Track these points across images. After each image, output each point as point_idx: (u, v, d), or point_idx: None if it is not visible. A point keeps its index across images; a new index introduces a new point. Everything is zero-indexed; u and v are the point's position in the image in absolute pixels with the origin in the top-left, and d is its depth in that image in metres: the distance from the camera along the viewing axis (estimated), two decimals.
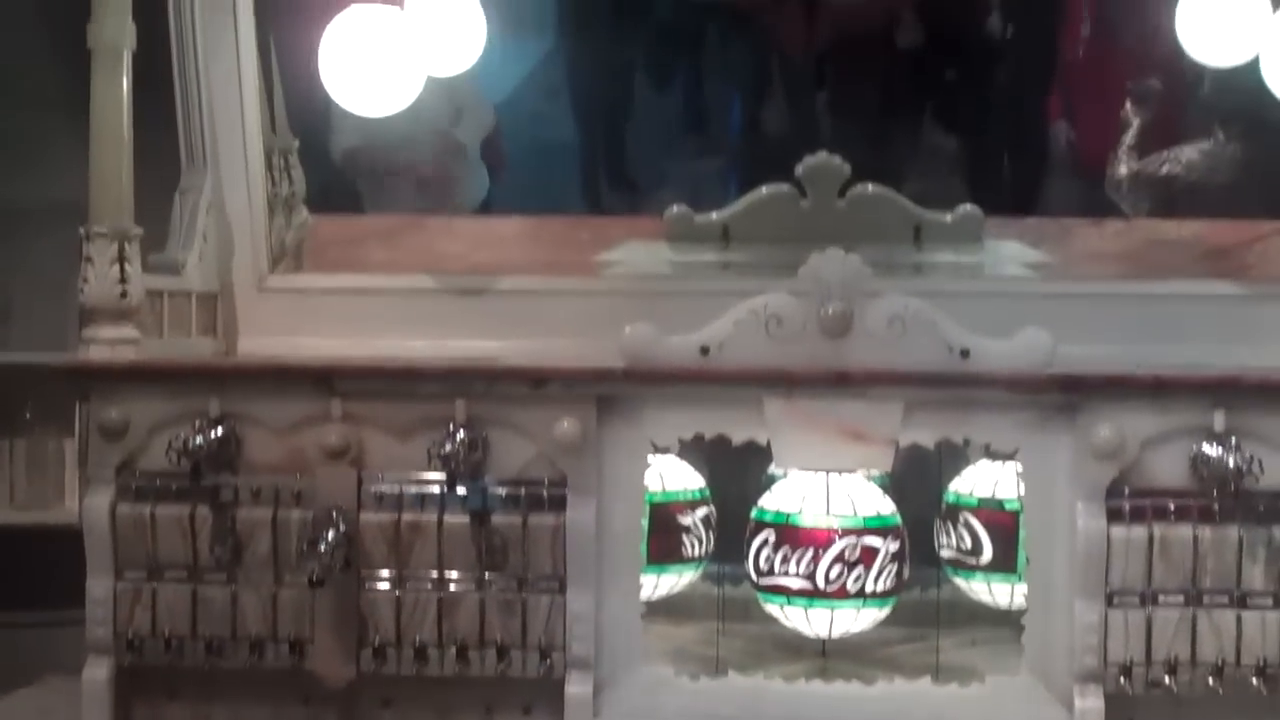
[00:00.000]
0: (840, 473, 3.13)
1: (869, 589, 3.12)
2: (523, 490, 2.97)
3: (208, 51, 3.60)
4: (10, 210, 4.05)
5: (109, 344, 3.15)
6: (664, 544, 3.35)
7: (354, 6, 3.22)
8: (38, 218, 4.00)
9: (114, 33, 3.24)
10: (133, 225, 3.25)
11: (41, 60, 3.94)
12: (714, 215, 3.76)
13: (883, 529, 3.15)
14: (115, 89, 3.24)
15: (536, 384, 2.97)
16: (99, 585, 3.05)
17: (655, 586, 3.35)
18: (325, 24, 3.29)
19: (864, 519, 3.14)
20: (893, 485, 3.28)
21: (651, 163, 5.21)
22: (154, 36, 3.45)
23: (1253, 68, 3.44)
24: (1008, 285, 3.58)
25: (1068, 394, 2.92)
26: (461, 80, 3.85)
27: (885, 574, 3.13)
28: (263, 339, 3.67)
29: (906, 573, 3.22)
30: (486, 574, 2.97)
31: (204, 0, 3.58)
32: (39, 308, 4.07)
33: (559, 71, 5.27)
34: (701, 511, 3.47)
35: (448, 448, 2.92)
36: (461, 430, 2.95)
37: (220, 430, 3.01)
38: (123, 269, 3.18)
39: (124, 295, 3.18)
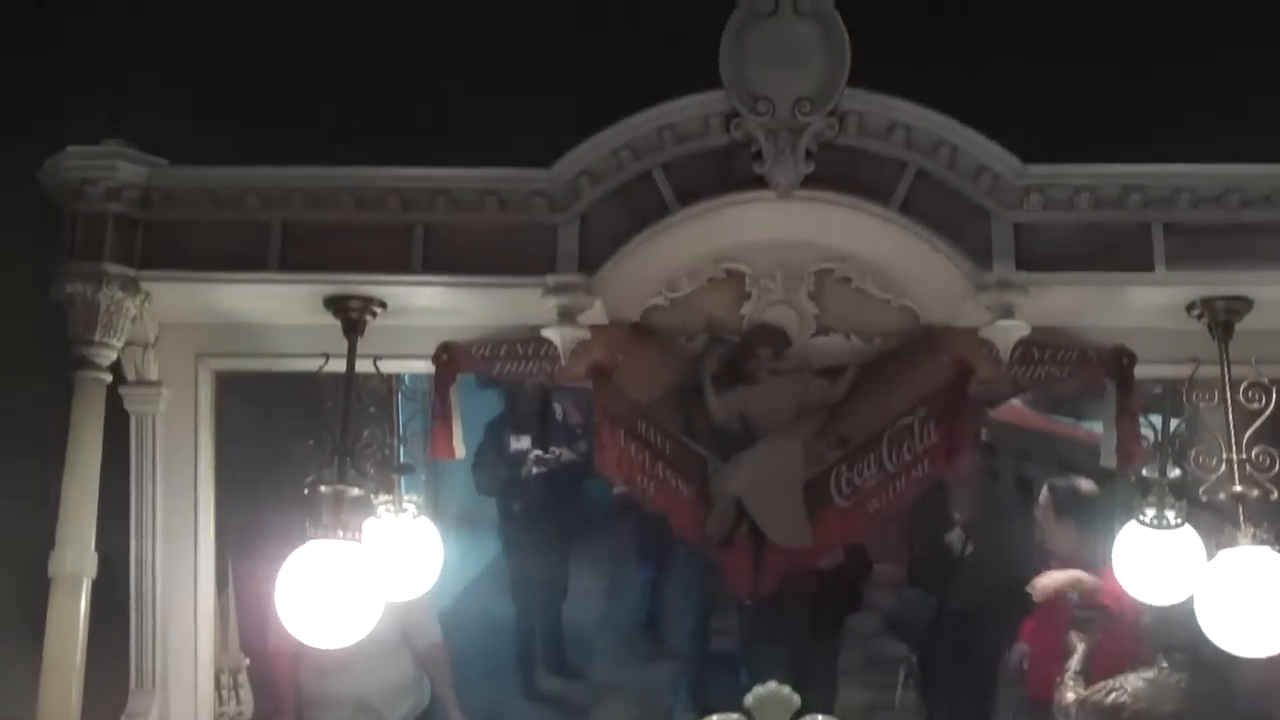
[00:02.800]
0: None
1: None
2: None
3: (166, 578, 3.64)
4: None
5: None
6: None
7: (312, 542, 3.28)
8: None
9: (76, 562, 3.30)
10: None
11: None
12: None
13: None
14: (71, 617, 3.28)
15: None
16: None
17: None
18: (283, 548, 3.34)
19: None
20: None
21: (601, 668, 5.24)
22: (111, 560, 3.51)
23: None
24: None
25: None
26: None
27: None
28: None
29: None
30: None
31: (166, 528, 3.65)
32: None
33: (507, 580, 5.36)
34: None
35: None
36: None
37: None
38: None
39: None
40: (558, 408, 5.26)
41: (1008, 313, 3.25)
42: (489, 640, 5.18)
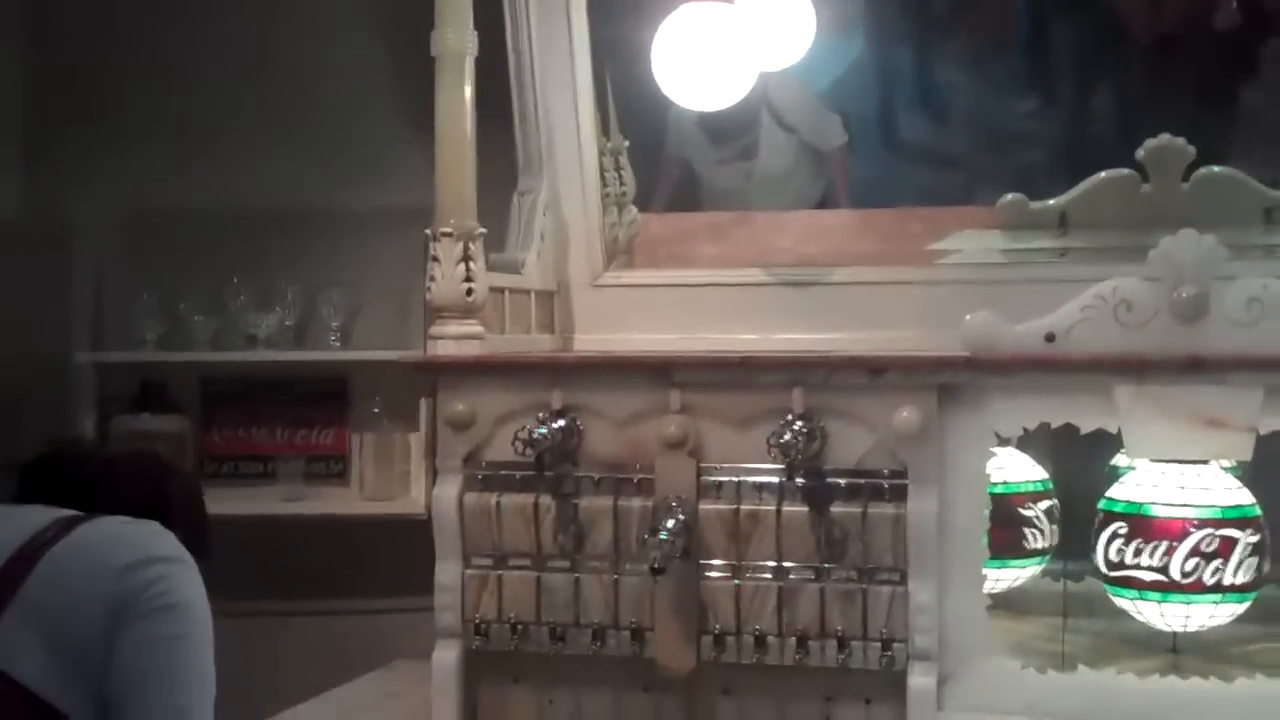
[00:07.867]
0: (1195, 462, 3.00)
1: (1227, 582, 2.98)
2: (862, 481, 2.95)
3: (543, 58, 3.70)
4: (357, 217, 4.23)
5: (455, 340, 3.24)
6: (1005, 537, 3.23)
7: (686, 6, 3.25)
8: (382, 223, 4.17)
9: (456, 40, 3.34)
10: (477, 224, 3.35)
11: (383, 71, 4.11)
12: (1050, 202, 3.65)
13: (1241, 520, 3.00)
14: (458, 94, 3.34)
15: (875, 373, 2.95)
16: (448, 572, 3.16)
17: (996, 580, 3.25)
18: (655, 26, 3.33)
19: (1221, 510, 3.00)
20: (1253, 475, 3.11)
21: (978, 150, 5.11)
22: (490, 44, 3.56)
23: None
24: None
25: None
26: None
27: (1244, 567, 2.99)
28: (597, 334, 3.75)
29: (1267, 566, 3.06)
30: (826, 564, 2.96)
31: (540, 7, 3.68)
32: (383, 308, 4.24)
33: (883, 59, 5.21)
34: (1044, 504, 3.37)
35: (786, 437, 2.91)
36: (799, 420, 2.94)
37: (563, 422, 3.08)
38: (468, 267, 3.27)
39: (469, 293, 3.27)
40: None
41: None
42: (866, 134, 5.10)
